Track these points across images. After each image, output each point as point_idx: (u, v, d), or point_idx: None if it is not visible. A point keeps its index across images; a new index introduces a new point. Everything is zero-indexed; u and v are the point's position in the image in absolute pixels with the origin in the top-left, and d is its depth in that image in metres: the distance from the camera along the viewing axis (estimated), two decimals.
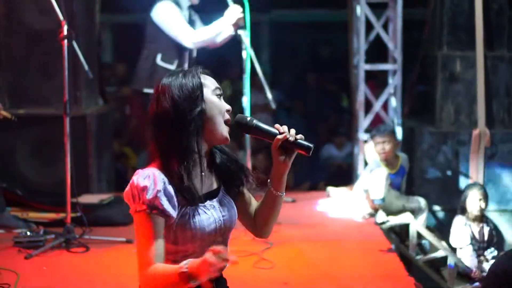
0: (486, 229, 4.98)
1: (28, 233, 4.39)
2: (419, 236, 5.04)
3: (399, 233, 5.26)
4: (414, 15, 6.65)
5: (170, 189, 2.10)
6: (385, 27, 6.35)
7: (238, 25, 5.10)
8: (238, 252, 4.15)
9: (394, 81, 6.33)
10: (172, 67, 4.95)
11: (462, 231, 4.92)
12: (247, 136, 4.85)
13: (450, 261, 4.61)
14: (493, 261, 4.85)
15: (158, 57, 4.96)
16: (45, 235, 4.39)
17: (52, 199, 5.04)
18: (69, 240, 4.32)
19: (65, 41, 4.30)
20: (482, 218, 5.00)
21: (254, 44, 5.36)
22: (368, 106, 6.39)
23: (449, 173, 5.98)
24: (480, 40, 5.56)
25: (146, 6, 5.07)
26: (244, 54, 5.14)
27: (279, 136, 2.17)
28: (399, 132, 6.16)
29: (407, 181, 5.78)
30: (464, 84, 6.00)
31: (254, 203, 2.35)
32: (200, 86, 2.16)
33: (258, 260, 4.19)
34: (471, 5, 5.72)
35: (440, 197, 5.96)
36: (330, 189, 6.12)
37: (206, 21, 5.26)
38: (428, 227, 5.29)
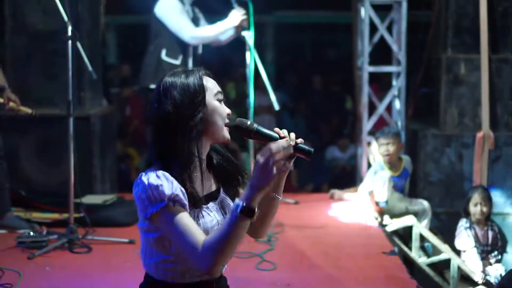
0: (491, 233, 4.97)
1: (31, 234, 4.39)
2: (422, 238, 5.03)
3: (402, 236, 5.25)
4: (418, 17, 6.64)
5: (180, 186, 2.10)
6: (389, 29, 6.35)
7: (241, 27, 5.12)
8: (240, 253, 4.16)
9: (398, 83, 6.33)
10: (177, 62, 5.01)
11: (466, 234, 4.91)
12: None
13: (453, 264, 4.61)
14: (496, 264, 4.85)
15: (163, 52, 5.02)
16: (48, 235, 4.40)
17: (55, 199, 5.05)
18: (72, 240, 4.32)
19: (69, 41, 4.31)
20: (486, 221, 4.99)
21: (258, 45, 5.37)
22: (372, 108, 6.38)
23: (452, 175, 5.97)
24: (484, 43, 5.55)
25: (151, 7, 5.10)
26: (248, 55, 5.15)
27: (279, 141, 2.16)
28: (402, 134, 6.16)
29: (410, 184, 5.77)
30: (468, 86, 5.99)
31: None
32: (203, 91, 2.15)
33: (261, 262, 4.18)
34: (475, 7, 5.71)
35: (444, 200, 5.96)
36: (335, 191, 6.11)
37: (211, 22, 5.29)
38: (431, 230, 5.28)
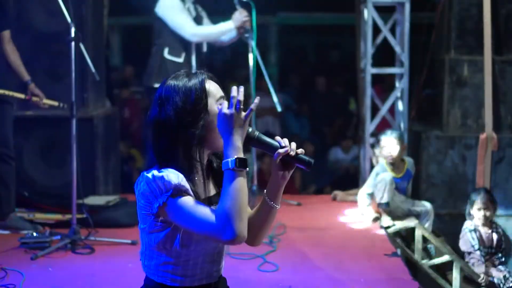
0: (495, 235, 4.96)
1: (34, 234, 4.41)
2: (425, 240, 5.02)
3: (405, 237, 5.25)
4: (421, 19, 6.63)
5: (186, 181, 2.09)
6: (392, 30, 6.35)
7: (244, 28, 5.14)
8: (242, 254, 4.16)
9: (401, 85, 6.32)
10: (180, 60, 5.06)
11: (470, 236, 4.91)
12: None
13: (456, 266, 4.60)
14: (500, 267, 4.84)
15: (165, 51, 5.07)
16: (51, 236, 4.41)
17: (58, 200, 5.06)
18: (75, 241, 4.33)
19: (73, 43, 4.32)
20: (490, 224, 4.98)
21: (262, 47, 5.38)
22: (374, 110, 6.38)
23: (455, 177, 5.96)
24: (488, 45, 5.55)
25: (154, 8, 5.14)
26: (250, 57, 5.16)
27: (280, 150, 2.14)
28: (405, 136, 6.15)
29: (413, 185, 5.77)
30: (471, 88, 5.99)
31: (248, 210, 2.33)
32: (205, 97, 2.13)
33: (263, 263, 4.19)
34: (479, 9, 5.70)
35: (447, 201, 5.95)
36: (337, 193, 6.11)
37: (214, 22, 5.31)
38: (434, 232, 5.28)
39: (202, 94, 2.12)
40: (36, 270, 3.97)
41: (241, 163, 2.02)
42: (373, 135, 6.27)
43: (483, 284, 4.68)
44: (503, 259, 4.94)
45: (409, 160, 5.57)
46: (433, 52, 6.39)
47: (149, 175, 2.07)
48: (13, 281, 3.74)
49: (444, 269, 4.96)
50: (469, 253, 4.90)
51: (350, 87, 8.32)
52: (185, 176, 2.09)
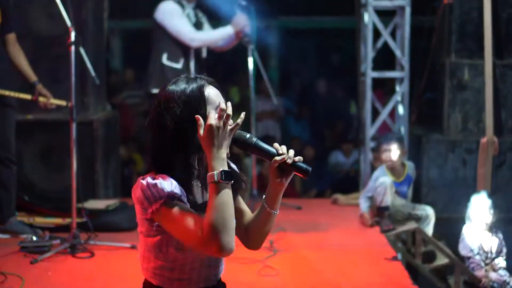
0: (495, 240, 4.95)
1: (34, 238, 4.41)
2: (426, 244, 5.01)
3: (405, 241, 5.24)
4: (422, 23, 6.63)
5: (182, 189, 2.09)
6: (393, 34, 6.35)
7: (244, 33, 5.15)
8: (242, 259, 4.15)
9: (402, 89, 6.32)
10: (179, 65, 5.07)
11: (470, 240, 4.90)
12: None
13: (457, 270, 4.59)
14: (500, 271, 4.83)
15: (164, 57, 5.08)
16: (50, 240, 4.41)
17: (58, 204, 5.06)
18: (75, 245, 4.32)
19: (72, 47, 4.32)
20: (491, 228, 4.97)
21: (262, 50, 5.38)
22: (375, 114, 6.37)
23: (456, 181, 5.95)
24: (488, 48, 5.54)
25: (153, 13, 5.16)
26: (250, 60, 5.17)
27: (277, 158, 2.13)
28: (406, 140, 6.15)
29: (414, 189, 5.76)
30: (472, 92, 5.98)
31: (248, 214, 2.32)
32: (203, 105, 2.11)
33: (263, 268, 4.18)
34: (480, 13, 5.70)
35: (447, 205, 5.94)
36: (337, 196, 6.11)
37: (214, 27, 5.32)
38: (435, 236, 5.27)
39: (200, 101, 2.11)
40: (35, 274, 3.96)
41: (227, 176, 2.01)
42: (373, 139, 6.26)
43: None
44: (504, 263, 4.93)
45: (409, 164, 5.57)
46: (434, 56, 6.39)
47: (144, 181, 2.07)
48: (13, 285, 3.74)
49: (444, 273, 4.96)
50: (469, 257, 4.89)
51: (351, 91, 8.32)
52: (182, 182, 2.08)
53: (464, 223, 5.02)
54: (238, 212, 2.29)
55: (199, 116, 2.05)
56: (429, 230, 5.28)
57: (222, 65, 8.23)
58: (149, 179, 2.07)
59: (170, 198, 2.04)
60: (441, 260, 4.90)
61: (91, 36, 5.64)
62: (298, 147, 7.93)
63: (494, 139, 5.46)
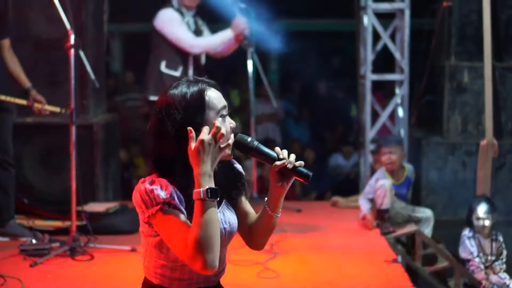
0: (494, 242, 4.95)
1: (34, 241, 4.40)
2: (425, 246, 5.01)
3: (405, 244, 5.24)
4: (421, 25, 6.64)
5: (179, 194, 2.09)
6: (392, 37, 6.35)
7: (243, 36, 5.16)
8: (242, 261, 4.15)
9: (401, 91, 6.32)
10: (177, 73, 5.06)
11: (469, 243, 4.90)
12: None
13: (457, 272, 4.59)
14: (501, 274, 4.83)
15: (163, 65, 5.07)
16: (50, 243, 4.40)
17: (58, 207, 5.06)
18: (74, 248, 4.32)
19: (72, 50, 4.32)
20: (490, 231, 4.97)
21: (262, 53, 5.38)
22: (375, 116, 6.38)
23: (456, 184, 5.95)
24: (488, 51, 5.55)
25: (154, 15, 5.16)
26: (249, 63, 5.18)
27: (277, 162, 2.13)
28: (405, 142, 6.15)
29: (413, 192, 5.76)
30: (471, 94, 5.99)
31: (252, 215, 2.33)
32: (204, 110, 2.10)
33: (262, 270, 4.18)
34: (479, 15, 5.71)
35: (447, 208, 5.94)
36: (337, 199, 6.10)
37: (213, 31, 5.32)
38: (434, 238, 5.27)
39: (200, 107, 2.10)
40: (35, 277, 3.97)
41: (213, 194, 2.01)
42: (373, 141, 6.27)
43: None
44: (504, 266, 4.93)
45: (409, 167, 5.57)
46: (433, 58, 6.40)
47: (142, 186, 2.08)
48: None
49: (444, 276, 4.96)
50: (469, 260, 4.89)
51: (351, 93, 8.33)
52: (183, 187, 2.08)
53: (464, 225, 5.02)
54: (242, 213, 2.31)
55: (191, 129, 2.04)
56: (429, 232, 5.28)
57: (221, 68, 8.23)
58: (147, 184, 2.07)
59: (166, 205, 2.05)
60: (441, 263, 4.90)
61: (91, 39, 5.64)
62: (298, 149, 7.93)
63: (494, 142, 5.47)
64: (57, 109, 4.59)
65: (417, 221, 5.29)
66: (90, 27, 5.64)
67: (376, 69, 6.36)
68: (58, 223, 4.93)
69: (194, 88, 2.12)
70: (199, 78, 2.17)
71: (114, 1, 6.29)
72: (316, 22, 10.42)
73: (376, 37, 6.29)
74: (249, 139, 2.15)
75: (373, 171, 6.05)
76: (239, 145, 2.15)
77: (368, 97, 6.31)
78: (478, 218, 4.89)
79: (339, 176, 8.03)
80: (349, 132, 8.79)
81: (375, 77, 6.33)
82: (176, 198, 2.07)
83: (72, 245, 4.32)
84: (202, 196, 2.00)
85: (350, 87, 8.66)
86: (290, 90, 10.10)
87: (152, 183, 2.07)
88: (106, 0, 6.11)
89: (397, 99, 6.35)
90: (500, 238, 5.00)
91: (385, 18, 6.33)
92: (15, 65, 4.59)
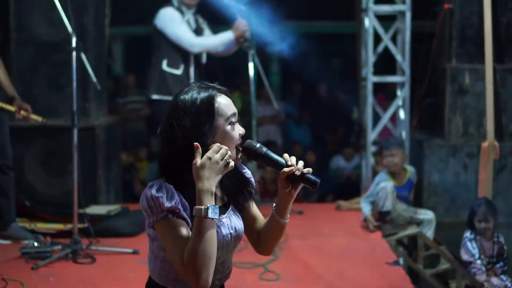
0: (496, 244, 4.94)
1: (36, 244, 4.40)
2: (427, 248, 5.01)
3: (407, 246, 5.24)
4: (423, 27, 6.64)
5: (184, 201, 2.10)
6: (393, 39, 6.36)
7: (244, 38, 5.17)
8: (243, 263, 4.16)
9: (403, 93, 6.33)
10: (178, 71, 5.10)
11: (471, 245, 4.89)
12: None
13: (458, 275, 4.59)
14: (502, 276, 4.83)
15: (164, 63, 5.12)
16: (52, 246, 4.41)
17: (59, 210, 5.07)
18: (76, 251, 4.33)
19: (74, 53, 4.33)
20: (491, 234, 4.97)
21: (263, 55, 5.39)
22: (376, 118, 6.38)
23: (457, 186, 5.95)
24: (489, 53, 5.54)
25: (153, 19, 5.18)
26: (250, 66, 5.19)
27: (285, 169, 2.14)
28: (407, 144, 6.15)
29: (415, 194, 5.76)
30: (473, 96, 5.99)
31: (260, 220, 2.34)
32: (213, 117, 2.10)
33: (264, 272, 4.18)
34: (480, 17, 5.71)
35: (449, 210, 5.94)
36: (340, 202, 6.11)
37: (215, 32, 5.34)
38: (436, 240, 5.27)
39: (210, 113, 2.10)
40: (37, 280, 3.97)
41: (213, 213, 2.01)
42: (375, 144, 6.27)
43: None
44: (505, 268, 4.93)
45: (410, 169, 5.57)
46: (434, 60, 6.40)
47: (149, 192, 2.09)
48: None
49: (446, 278, 4.96)
50: (470, 262, 4.89)
51: (352, 95, 8.33)
52: (191, 191, 2.08)
53: (465, 227, 5.02)
54: (250, 219, 2.32)
55: (198, 144, 2.04)
56: (431, 234, 5.28)
57: (223, 70, 8.24)
58: (153, 191, 2.08)
59: (170, 214, 2.06)
60: (443, 265, 4.90)
61: (93, 42, 5.65)
62: (299, 152, 7.93)
63: (495, 144, 5.47)
64: (39, 119, 4.61)
65: (419, 223, 5.29)
66: (92, 30, 5.65)
67: (377, 71, 6.36)
68: (60, 226, 4.94)
69: (204, 94, 2.12)
70: (210, 84, 2.18)
71: (115, 3, 6.30)
72: (317, 24, 10.43)
73: (377, 39, 6.29)
74: (258, 145, 2.16)
75: (374, 173, 6.06)
76: (248, 151, 2.16)
77: (370, 99, 6.31)
78: (480, 221, 4.89)
79: (340, 178, 8.03)
80: (350, 134, 8.80)
81: (376, 79, 6.34)
82: (180, 206, 2.08)
83: (74, 248, 4.32)
84: (203, 214, 2.01)
85: (351, 89, 8.67)
86: (291, 92, 10.10)
87: (159, 189, 2.08)
88: (108, 3, 6.12)
89: (399, 101, 6.35)
90: (502, 240, 5.00)
91: (386, 20, 6.33)
92: (1, 73, 4.56)
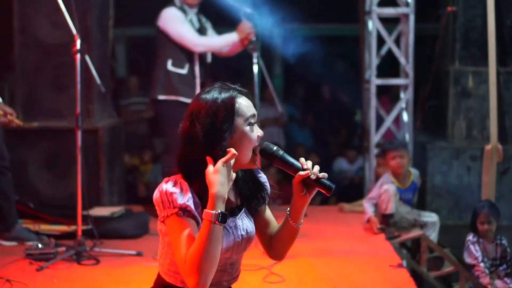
0: (499, 247, 4.94)
1: (40, 246, 4.41)
2: (431, 251, 5.01)
3: (410, 248, 5.23)
4: (426, 30, 6.65)
5: (197, 200, 2.12)
6: (397, 41, 6.35)
7: (248, 40, 5.18)
8: (248, 265, 4.15)
9: (406, 96, 6.32)
10: (184, 71, 5.11)
11: (474, 248, 4.89)
12: None
13: (462, 277, 4.58)
14: (506, 278, 4.82)
15: (169, 63, 5.12)
16: (56, 247, 4.41)
17: (63, 211, 5.07)
18: (80, 252, 4.33)
19: (78, 55, 4.34)
20: (494, 236, 4.96)
21: (266, 57, 5.39)
22: (379, 121, 6.38)
23: (461, 188, 5.95)
24: (492, 56, 5.54)
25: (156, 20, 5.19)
26: (254, 68, 5.20)
27: (301, 172, 2.16)
28: (410, 147, 6.15)
29: (419, 196, 5.76)
30: (476, 99, 5.99)
31: (273, 224, 2.35)
32: (233, 117, 2.12)
33: (268, 274, 4.18)
34: (483, 20, 5.71)
35: (452, 212, 5.95)
36: (343, 205, 6.10)
37: (219, 33, 5.34)
38: (440, 243, 5.26)
39: (230, 113, 2.12)
40: (41, 281, 3.97)
41: (223, 219, 2.04)
42: (378, 146, 6.27)
43: None
44: (509, 271, 4.92)
45: (415, 172, 5.56)
46: (438, 63, 6.40)
47: (164, 186, 2.11)
48: None
49: (449, 281, 4.95)
50: (473, 265, 4.88)
51: (355, 98, 8.33)
52: (201, 192, 2.10)
53: (469, 229, 5.02)
54: (263, 223, 2.33)
55: (210, 158, 2.08)
56: (435, 237, 5.27)
57: (227, 72, 8.24)
58: (169, 186, 2.11)
59: (181, 211, 2.08)
60: (446, 267, 4.89)
61: (96, 44, 5.66)
62: (302, 154, 7.93)
63: (499, 146, 5.46)
64: (20, 123, 4.64)
65: (423, 225, 5.28)
66: (96, 32, 5.66)
67: (381, 73, 6.36)
68: (63, 228, 4.94)
69: (225, 94, 2.15)
70: (232, 86, 2.20)
71: (118, 5, 6.31)
72: (320, 26, 10.43)
73: (381, 41, 6.29)
74: (275, 148, 2.18)
75: (376, 175, 6.05)
76: (264, 153, 2.18)
77: (373, 101, 6.31)
78: (483, 223, 4.88)
79: (343, 181, 8.02)
80: (353, 136, 8.80)
81: (380, 81, 6.33)
82: (193, 204, 2.09)
83: (78, 250, 4.33)
84: (212, 219, 2.02)
85: (354, 92, 8.67)
86: (294, 95, 10.11)
87: (174, 184, 2.11)
88: (112, 5, 6.13)
89: (402, 104, 6.35)
90: (505, 243, 4.99)
91: (389, 22, 6.33)
92: None
